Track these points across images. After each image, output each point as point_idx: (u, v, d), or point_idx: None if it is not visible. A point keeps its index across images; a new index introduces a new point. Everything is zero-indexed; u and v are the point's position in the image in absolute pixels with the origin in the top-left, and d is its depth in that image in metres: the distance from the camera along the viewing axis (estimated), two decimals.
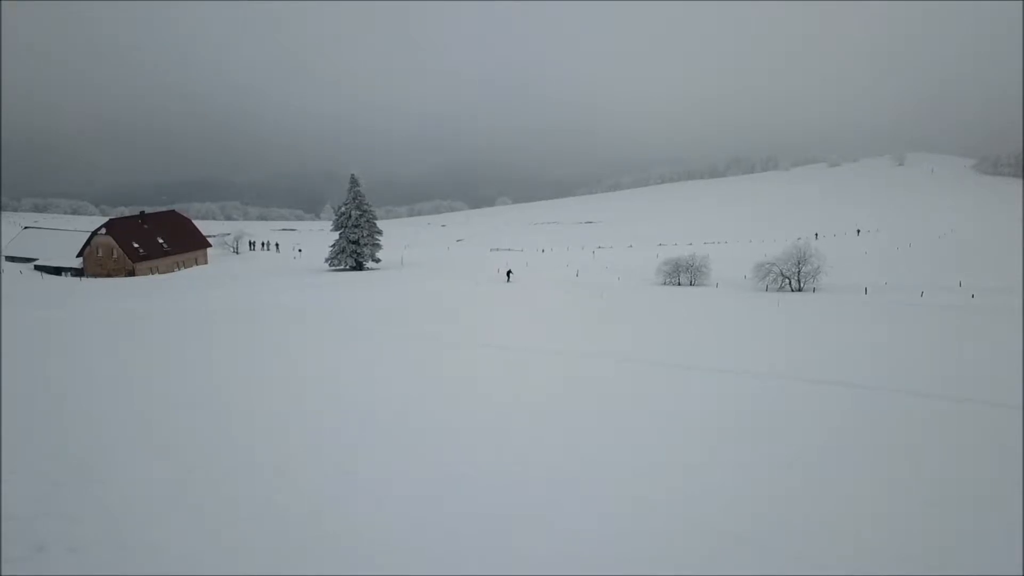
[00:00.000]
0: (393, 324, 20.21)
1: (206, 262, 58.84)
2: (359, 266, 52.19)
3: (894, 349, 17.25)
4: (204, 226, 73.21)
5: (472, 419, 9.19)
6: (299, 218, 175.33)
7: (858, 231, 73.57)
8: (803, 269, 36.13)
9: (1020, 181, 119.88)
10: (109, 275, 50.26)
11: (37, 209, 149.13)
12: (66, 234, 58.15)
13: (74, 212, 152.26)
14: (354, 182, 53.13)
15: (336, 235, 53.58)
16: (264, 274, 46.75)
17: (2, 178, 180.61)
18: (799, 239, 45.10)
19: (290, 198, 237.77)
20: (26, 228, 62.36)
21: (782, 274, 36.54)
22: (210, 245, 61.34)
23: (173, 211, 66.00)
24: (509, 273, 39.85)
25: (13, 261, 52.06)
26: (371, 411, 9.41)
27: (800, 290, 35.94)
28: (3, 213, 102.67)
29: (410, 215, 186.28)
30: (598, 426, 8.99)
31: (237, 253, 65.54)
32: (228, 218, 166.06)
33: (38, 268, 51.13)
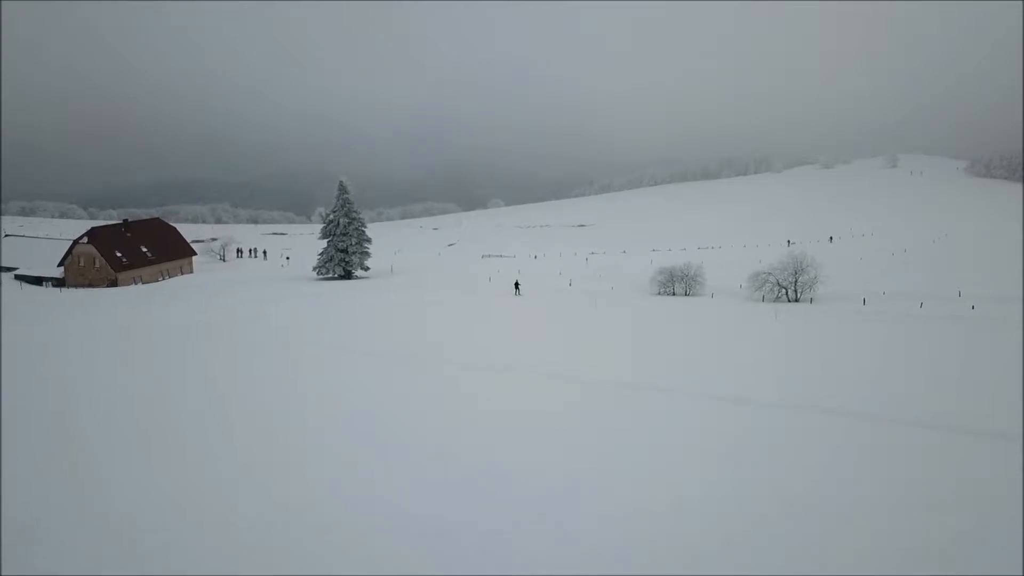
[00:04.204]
0: (380, 341, 19.36)
1: (192, 270, 57.66)
2: (348, 275, 51.21)
3: (895, 371, 16.63)
4: (194, 229, 72.12)
5: (473, 434, 9.85)
6: (290, 221, 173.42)
7: (831, 238, 71.98)
8: (800, 279, 35.42)
9: (1012, 183, 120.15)
10: (91, 285, 49.03)
11: (24, 212, 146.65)
12: (47, 243, 56.97)
13: (62, 215, 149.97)
14: (343, 189, 52.11)
15: (324, 243, 52.60)
16: (250, 284, 45.64)
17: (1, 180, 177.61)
18: (794, 242, 44.46)
19: (281, 199, 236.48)
20: (7, 236, 61.01)
21: (779, 284, 35.86)
22: (195, 253, 60.13)
23: (157, 219, 64.69)
24: (517, 284, 39.33)
25: None
26: (369, 423, 10.30)
27: (797, 300, 35.28)
28: None
29: (402, 217, 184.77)
30: (596, 445, 9.38)
31: (224, 261, 64.36)
32: (218, 221, 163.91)
33: (18, 278, 49.85)
